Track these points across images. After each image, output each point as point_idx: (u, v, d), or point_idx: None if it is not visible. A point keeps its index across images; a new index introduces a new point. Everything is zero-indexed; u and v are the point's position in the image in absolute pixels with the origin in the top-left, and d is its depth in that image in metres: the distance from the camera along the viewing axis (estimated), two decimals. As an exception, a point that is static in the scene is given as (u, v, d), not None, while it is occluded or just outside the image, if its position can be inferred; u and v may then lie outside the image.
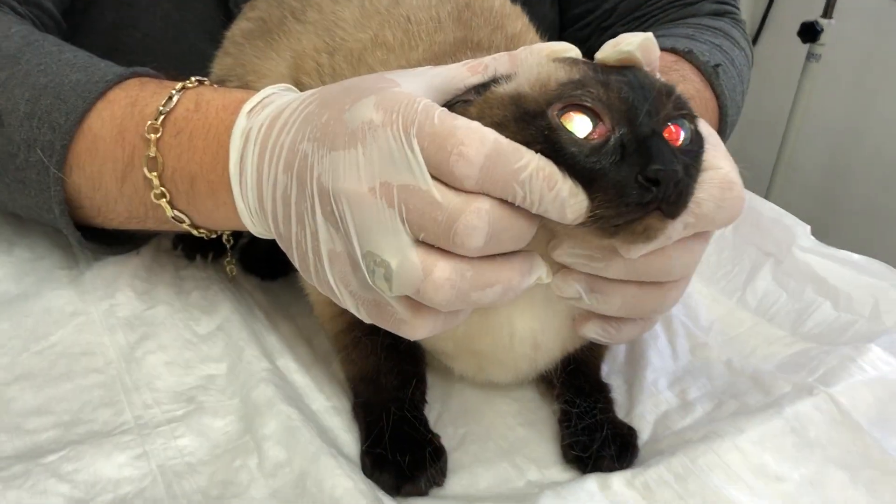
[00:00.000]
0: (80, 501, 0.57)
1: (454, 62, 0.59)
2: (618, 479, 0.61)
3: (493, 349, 0.65)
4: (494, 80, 0.57)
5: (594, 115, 0.52)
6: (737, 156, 0.61)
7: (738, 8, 1.16)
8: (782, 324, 0.82)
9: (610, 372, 0.76)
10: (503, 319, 0.63)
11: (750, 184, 0.63)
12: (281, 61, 0.79)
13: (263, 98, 0.65)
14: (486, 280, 0.53)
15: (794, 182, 2.40)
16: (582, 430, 0.65)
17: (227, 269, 0.82)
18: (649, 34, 0.57)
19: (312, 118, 0.56)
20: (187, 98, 0.69)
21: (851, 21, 2.23)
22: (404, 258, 0.51)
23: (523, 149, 0.51)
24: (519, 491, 0.63)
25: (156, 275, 0.80)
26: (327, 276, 0.56)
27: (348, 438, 0.66)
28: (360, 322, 0.58)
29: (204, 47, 0.91)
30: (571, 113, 0.52)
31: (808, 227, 0.91)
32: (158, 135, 0.68)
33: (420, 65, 0.63)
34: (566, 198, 0.51)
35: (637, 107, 0.52)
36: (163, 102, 0.69)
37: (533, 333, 0.64)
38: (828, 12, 2.15)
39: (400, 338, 0.57)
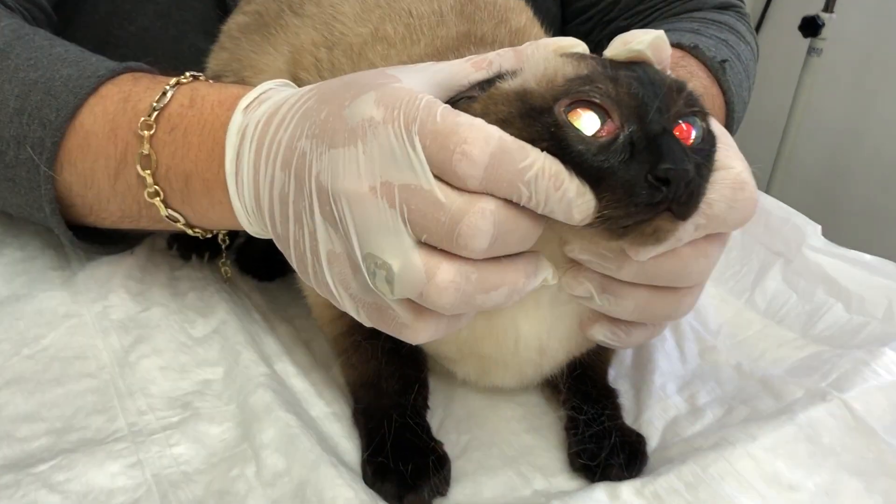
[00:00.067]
0: (71, 512, 0.56)
1: (457, 57, 0.58)
2: (627, 489, 0.59)
3: (497, 353, 0.64)
4: (499, 76, 0.55)
5: (602, 112, 0.51)
6: (735, 152, 0.59)
7: (742, 1, 1.14)
8: (792, 326, 0.81)
9: (617, 376, 0.74)
10: (508, 322, 0.62)
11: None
12: (278, 56, 0.78)
13: (260, 94, 0.63)
14: (491, 283, 0.51)
15: (794, 178, 2.38)
16: (590, 437, 0.63)
17: (223, 269, 0.81)
18: (660, 32, 0.55)
19: (311, 114, 0.55)
20: (182, 94, 0.68)
21: (853, 15, 2.22)
22: (406, 260, 0.49)
23: (529, 147, 0.50)
24: (525, 500, 0.61)
25: (150, 275, 0.79)
26: (326, 278, 0.55)
27: (349, 446, 0.64)
28: (360, 325, 0.57)
29: (199, 42, 0.90)
30: (579, 109, 0.51)
31: (819, 227, 0.90)
32: (152, 131, 0.67)
33: (422, 60, 0.62)
34: (573, 198, 0.49)
35: (647, 103, 0.51)
36: (156, 98, 0.68)
37: (539, 337, 0.63)
38: (829, 6, 2.14)
39: (401, 342, 0.55)
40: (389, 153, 0.49)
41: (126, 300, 0.75)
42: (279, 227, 0.57)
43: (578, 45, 0.57)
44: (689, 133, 0.53)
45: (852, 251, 0.88)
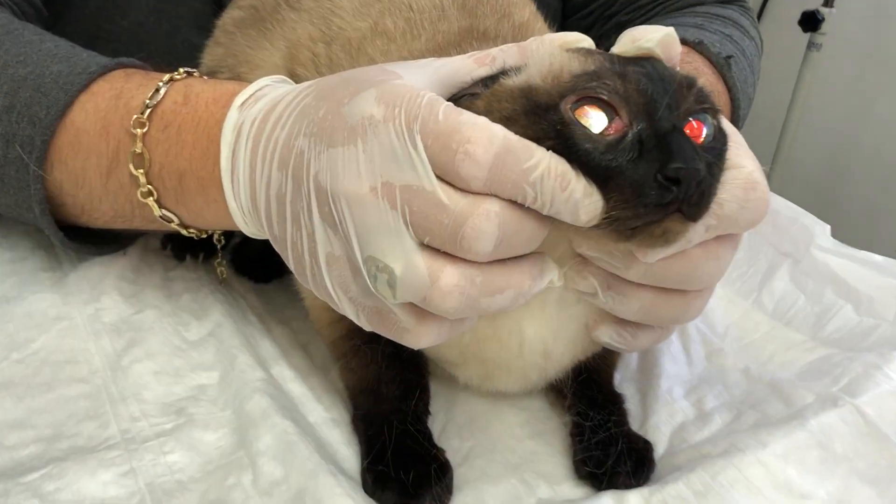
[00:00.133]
0: (62, 523, 0.55)
1: (459, 53, 0.57)
2: (634, 497, 0.58)
3: (501, 357, 0.63)
4: (503, 73, 0.54)
5: (610, 109, 0.50)
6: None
7: (745, -4, 1.13)
8: (801, 327, 0.80)
9: (622, 380, 0.73)
10: (512, 325, 0.61)
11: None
12: (275, 51, 0.77)
13: (256, 90, 0.62)
14: (496, 286, 0.50)
15: (793, 173, 2.37)
16: (596, 444, 0.62)
17: (218, 270, 0.80)
18: (670, 29, 0.54)
19: (309, 112, 0.53)
20: (175, 90, 0.67)
21: (853, 10, 2.21)
22: (409, 264, 0.48)
23: (534, 146, 0.48)
24: (529, 509, 0.60)
25: (143, 276, 0.78)
26: (325, 281, 0.54)
27: (348, 453, 0.63)
28: (360, 329, 0.56)
29: (193, 37, 0.89)
30: (586, 107, 0.50)
31: (828, 227, 0.89)
32: (145, 129, 0.65)
33: (423, 55, 0.61)
34: (580, 198, 0.48)
35: (656, 100, 0.50)
36: (149, 95, 0.66)
37: (544, 340, 0.61)
38: (829, 1, 2.13)
39: (401, 346, 0.54)
40: (390, 153, 0.48)
41: (119, 302, 0.73)
42: (276, 228, 0.56)
43: (584, 40, 0.56)
44: (699, 131, 0.52)
45: (862, 251, 0.86)
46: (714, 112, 0.54)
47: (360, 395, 0.66)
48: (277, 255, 0.58)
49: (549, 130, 0.49)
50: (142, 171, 0.65)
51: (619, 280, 0.56)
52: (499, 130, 0.48)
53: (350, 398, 0.67)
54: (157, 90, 0.66)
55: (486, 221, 0.47)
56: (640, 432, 0.66)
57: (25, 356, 0.67)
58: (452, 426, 0.67)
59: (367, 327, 0.54)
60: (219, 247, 0.77)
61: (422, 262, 0.48)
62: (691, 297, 0.58)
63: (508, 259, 0.51)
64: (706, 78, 0.86)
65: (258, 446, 0.59)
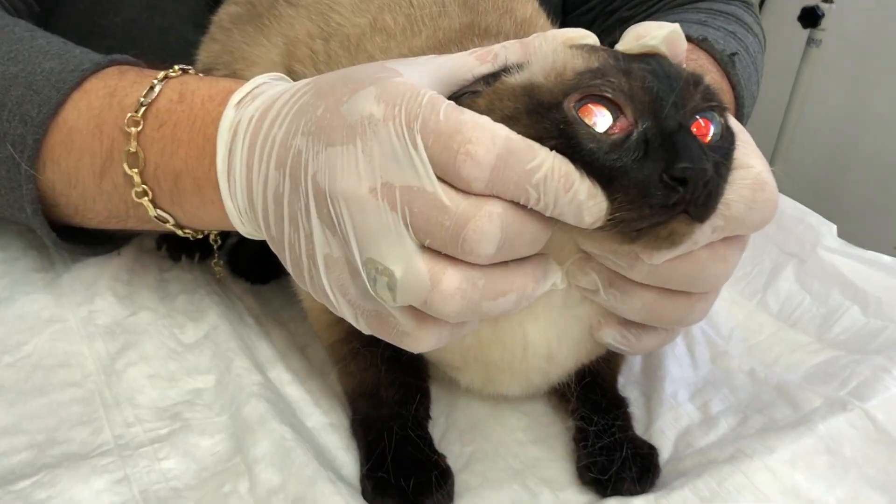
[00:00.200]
0: (53, 533, 0.53)
1: (460, 50, 0.56)
2: (640, 503, 0.57)
3: (503, 360, 0.61)
4: (505, 70, 0.53)
5: (615, 108, 0.49)
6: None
7: (748, -9, 1.12)
8: (807, 329, 0.79)
9: (626, 383, 0.72)
10: (515, 328, 0.59)
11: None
12: (272, 48, 0.76)
13: (253, 88, 0.61)
14: (498, 289, 0.50)
15: (792, 170, 2.37)
16: (600, 449, 0.61)
17: (215, 269, 0.79)
18: (675, 26, 0.53)
19: (307, 110, 0.52)
20: (170, 88, 0.66)
21: (853, 6, 2.20)
22: (410, 266, 0.47)
23: (537, 146, 0.47)
24: (532, 516, 0.59)
25: (138, 277, 0.77)
26: (323, 283, 0.53)
27: (347, 458, 0.62)
28: (359, 332, 0.55)
29: (188, 33, 0.88)
30: (590, 105, 0.49)
31: (834, 227, 0.88)
32: (139, 128, 0.64)
33: (423, 52, 0.60)
34: (584, 200, 0.47)
35: (662, 98, 0.49)
36: (144, 93, 0.65)
37: (548, 343, 0.60)
38: (829, -3, 2.12)
39: (402, 349, 0.53)
40: (390, 153, 0.47)
41: (113, 304, 0.73)
42: (273, 229, 0.55)
43: (589, 37, 0.55)
44: (706, 129, 0.51)
45: (869, 252, 0.85)
46: (721, 110, 0.53)
47: (359, 400, 0.65)
48: (275, 256, 0.57)
49: (551, 129, 0.48)
50: (136, 170, 0.64)
51: (621, 278, 0.55)
52: (501, 130, 0.47)
53: (349, 402, 0.66)
54: (152, 88, 0.65)
55: (488, 223, 0.46)
56: (645, 437, 0.65)
57: (17, 359, 0.66)
58: (453, 431, 0.66)
59: (366, 331, 0.54)
60: (215, 247, 0.76)
61: (423, 265, 0.47)
62: (696, 298, 0.57)
63: (511, 261, 0.50)
64: (711, 76, 0.85)
65: (255, 452, 0.58)
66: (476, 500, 0.60)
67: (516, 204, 0.47)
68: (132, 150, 0.64)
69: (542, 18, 0.74)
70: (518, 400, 0.68)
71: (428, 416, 0.65)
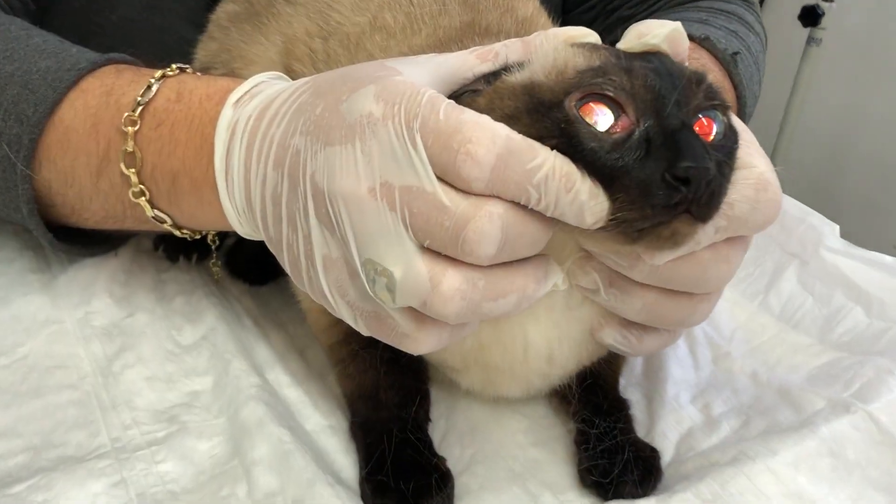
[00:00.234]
0: (49, 536, 0.53)
1: (461, 48, 0.55)
2: (642, 507, 0.57)
3: (504, 362, 0.61)
4: (506, 69, 0.53)
5: (616, 106, 0.48)
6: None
7: (749, -11, 1.11)
8: (809, 330, 0.78)
9: (627, 385, 0.71)
10: (516, 329, 0.59)
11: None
12: (270, 46, 0.75)
13: (252, 87, 0.61)
14: (499, 290, 0.49)
15: (792, 169, 2.36)
16: (601, 452, 0.60)
17: (213, 270, 0.78)
18: (677, 24, 0.53)
19: (305, 109, 0.52)
20: (168, 87, 0.65)
21: (853, 4, 2.20)
22: (409, 267, 0.47)
23: (538, 146, 0.47)
24: (533, 519, 0.59)
25: (135, 278, 0.76)
26: (321, 284, 0.52)
27: (346, 461, 0.61)
28: (358, 333, 0.54)
29: (186, 32, 0.87)
30: (591, 104, 0.48)
31: (837, 227, 0.87)
32: (136, 127, 0.64)
33: (423, 51, 0.59)
34: (585, 200, 0.47)
35: (664, 96, 0.48)
36: (141, 92, 0.64)
37: (549, 344, 0.60)
38: (829, -4, 2.12)
39: (401, 351, 0.53)
40: (389, 152, 0.47)
41: (110, 305, 0.72)
42: (271, 230, 0.55)
43: (590, 35, 0.54)
44: (709, 128, 0.51)
45: (872, 252, 0.85)
46: (724, 109, 0.52)
47: (358, 402, 0.65)
48: (273, 257, 0.57)
49: (552, 129, 0.47)
50: (133, 170, 0.64)
51: (622, 277, 0.54)
52: (501, 130, 0.46)
53: (348, 405, 0.66)
54: (149, 87, 0.64)
55: (488, 224, 0.46)
56: (647, 439, 0.65)
57: (12, 362, 0.66)
58: (453, 434, 0.65)
59: (365, 332, 0.53)
60: (213, 248, 0.75)
61: (422, 266, 0.47)
62: (698, 299, 0.56)
63: (511, 262, 0.49)
64: (713, 75, 0.85)
65: (253, 456, 0.58)
66: (476, 504, 0.59)
67: (517, 204, 0.47)
68: (129, 149, 0.63)
69: (543, 17, 0.74)
70: (519, 402, 0.68)
71: (428, 419, 0.64)
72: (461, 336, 0.53)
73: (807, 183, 2.44)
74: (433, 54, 0.54)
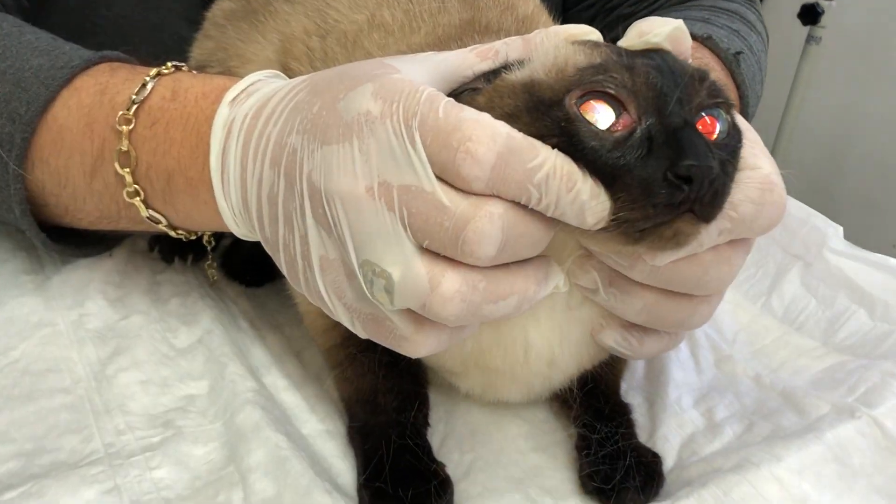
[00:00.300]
0: (40, 544, 0.52)
1: (460, 46, 0.55)
2: (644, 514, 0.56)
3: (505, 365, 0.60)
4: (506, 67, 0.52)
5: (618, 104, 0.47)
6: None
7: (751, -12, 1.10)
8: (812, 333, 0.77)
9: (628, 389, 0.70)
10: (517, 331, 0.58)
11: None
12: (267, 45, 0.75)
13: (248, 85, 0.60)
14: (499, 291, 0.48)
15: (791, 168, 2.35)
16: (603, 458, 0.59)
17: (209, 272, 0.78)
18: (679, 22, 0.52)
19: (302, 108, 0.51)
20: (163, 85, 0.64)
21: (853, 3, 2.19)
22: (408, 268, 0.46)
23: (539, 144, 0.46)
24: (534, 526, 0.58)
25: (130, 280, 0.75)
26: (318, 286, 0.51)
27: (343, 466, 0.60)
28: (356, 336, 0.54)
29: (182, 29, 0.87)
30: (592, 101, 0.47)
31: (840, 229, 0.86)
32: (131, 126, 0.63)
33: (422, 49, 0.58)
34: (586, 200, 0.46)
35: (667, 94, 0.47)
36: (136, 90, 0.64)
37: (550, 347, 0.59)
38: (829, -6, 2.11)
39: (400, 354, 0.52)
40: (388, 151, 0.46)
41: (104, 307, 0.71)
42: (267, 230, 0.54)
43: (592, 33, 0.54)
44: (712, 127, 0.50)
45: (876, 254, 0.84)
46: (728, 107, 0.52)
47: (356, 406, 0.64)
48: (270, 258, 0.56)
49: (552, 127, 0.47)
50: (128, 169, 0.63)
51: (622, 277, 0.53)
52: (502, 128, 0.45)
53: (346, 409, 0.65)
54: (144, 85, 0.64)
55: (488, 224, 0.45)
56: (649, 444, 0.64)
57: (4, 365, 0.65)
58: (452, 439, 0.65)
59: (363, 335, 0.52)
60: (209, 249, 0.75)
61: (421, 267, 0.46)
62: (699, 301, 0.55)
63: (512, 263, 0.49)
64: (716, 74, 0.84)
65: (249, 462, 0.57)
66: (476, 511, 0.58)
67: (517, 204, 0.46)
68: (124, 148, 0.62)
69: (544, 15, 0.73)
70: (519, 406, 0.67)
71: (427, 424, 0.63)
72: (460, 339, 0.53)
73: (805, 181, 2.43)
74: (432, 52, 0.54)
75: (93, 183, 0.65)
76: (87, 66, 0.66)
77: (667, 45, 0.51)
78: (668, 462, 0.63)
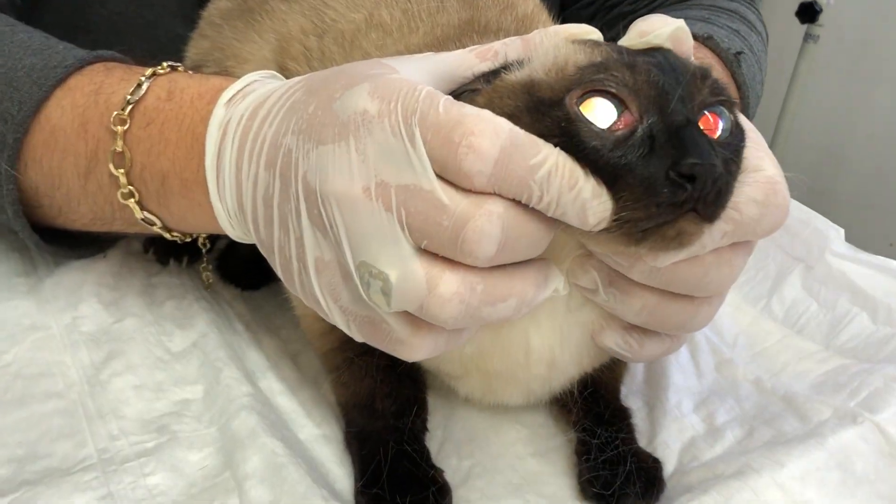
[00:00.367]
0: (32, 553, 0.51)
1: (459, 47, 0.54)
2: (645, 520, 0.55)
3: (505, 368, 0.59)
4: (505, 67, 0.51)
5: (619, 103, 0.47)
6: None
7: (751, -13, 1.10)
8: (814, 336, 0.77)
9: (628, 393, 0.70)
10: (518, 334, 0.57)
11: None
12: (264, 44, 0.74)
13: (244, 86, 0.59)
14: (498, 294, 0.47)
15: (789, 166, 2.35)
16: (603, 463, 0.59)
17: (204, 275, 0.77)
18: (681, 22, 0.51)
19: (298, 108, 0.50)
20: (158, 85, 0.63)
21: (851, 1, 2.18)
22: (405, 270, 0.45)
23: (541, 142, 0.45)
24: (533, 533, 0.57)
25: (124, 282, 0.75)
26: (313, 288, 0.51)
27: (341, 472, 0.60)
28: (354, 340, 0.53)
29: (177, 28, 0.86)
30: (593, 100, 0.46)
31: (842, 231, 0.86)
32: (126, 127, 0.62)
33: (421, 50, 0.58)
34: (588, 199, 0.45)
35: (668, 92, 0.47)
36: (131, 90, 0.63)
37: (551, 349, 0.58)
38: (827, -8, 2.11)
39: (398, 358, 0.51)
40: (385, 150, 0.45)
41: (98, 310, 0.70)
42: (263, 232, 0.53)
43: (593, 33, 0.53)
44: (715, 125, 0.49)
45: (878, 257, 0.83)
46: (730, 105, 0.51)
47: (353, 411, 0.63)
48: (265, 260, 0.55)
49: (553, 127, 0.46)
50: (122, 171, 0.62)
51: (622, 277, 0.53)
52: (504, 123, 0.45)
53: (343, 414, 0.64)
54: (139, 85, 0.63)
55: (488, 223, 0.44)
56: (649, 449, 0.63)
57: (-4, 369, 0.64)
58: (450, 444, 0.64)
59: (359, 338, 0.51)
60: (204, 251, 0.74)
61: (419, 268, 0.45)
62: (699, 303, 0.54)
63: (511, 266, 0.48)
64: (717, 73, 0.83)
65: (245, 468, 0.56)
66: (475, 517, 0.58)
67: (518, 204, 0.45)
68: (118, 149, 0.62)
69: (543, 15, 0.72)
70: (518, 411, 0.66)
71: (425, 429, 0.63)
72: (458, 342, 0.52)
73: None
74: (431, 53, 0.53)
75: (87, 184, 0.65)
76: (82, 65, 0.65)
77: (668, 45, 0.51)
78: (669, 467, 0.63)
